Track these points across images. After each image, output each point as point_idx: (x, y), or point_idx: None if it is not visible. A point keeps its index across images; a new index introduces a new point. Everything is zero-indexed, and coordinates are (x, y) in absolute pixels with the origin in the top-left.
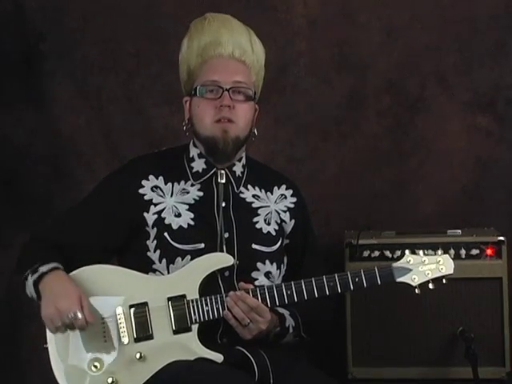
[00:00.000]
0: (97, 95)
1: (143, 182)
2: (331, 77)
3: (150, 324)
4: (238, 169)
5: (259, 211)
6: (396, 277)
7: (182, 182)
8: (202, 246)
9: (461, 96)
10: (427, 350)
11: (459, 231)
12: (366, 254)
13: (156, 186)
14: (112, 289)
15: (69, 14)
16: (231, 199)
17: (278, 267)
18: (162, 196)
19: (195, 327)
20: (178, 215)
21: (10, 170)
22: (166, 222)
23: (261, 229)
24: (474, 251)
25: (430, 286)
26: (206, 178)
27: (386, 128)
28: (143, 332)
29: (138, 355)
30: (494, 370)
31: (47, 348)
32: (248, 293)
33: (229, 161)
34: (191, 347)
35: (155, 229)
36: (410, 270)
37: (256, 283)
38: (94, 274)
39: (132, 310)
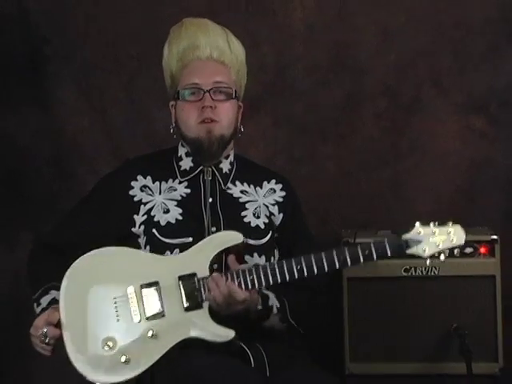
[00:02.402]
0: (100, 97)
1: (132, 183)
2: (329, 79)
3: (162, 302)
4: (225, 166)
5: (247, 205)
6: (406, 248)
7: (170, 181)
8: (191, 239)
9: (455, 98)
10: (423, 346)
11: None
12: None
13: (145, 186)
14: (120, 270)
15: (72, 19)
16: (218, 195)
17: (268, 260)
18: (150, 194)
19: (206, 304)
20: (167, 211)
21: (14, 170)
22: (155, 219)
23: (249, 222)
24: (468, 250)
25: (442, 257)
26: (192, 175)
27: (382, 129)
28: (155, 309)
29: (150, 333)
30: (487, 365)
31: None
32: (232, 274)
33: (216, 159)
34: (203, 324)
35: (142, 227)
36: (421, 241)
37: None
38: (95, 260)
39: (143, 289)
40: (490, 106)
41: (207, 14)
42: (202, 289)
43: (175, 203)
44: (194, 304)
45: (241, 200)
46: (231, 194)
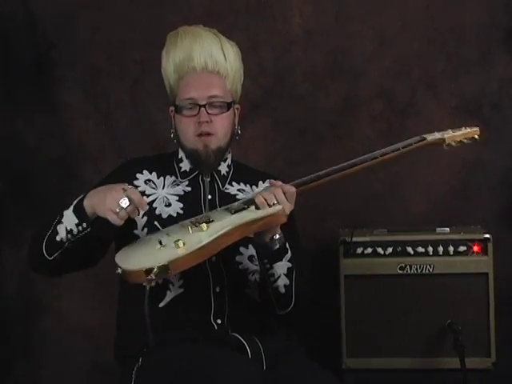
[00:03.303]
0: (105, 100)
1: (137, 175)
2: (326, 83)
3: (209, 216)
4: (223, 168)
5: None
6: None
7: (174, 177)
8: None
9: (449, 101)
10: (418, 342)
11: (447, 229)
12: (359, 250)
13: (149, 180)
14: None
15: (78, 24)
16: (217, 193)
17: None
18: (154, 188)
19: (252, 206)
20: (169, 205)
21: (22, 170)
22: (157, 212)
23: None
24: (462, 248)
25: (465, 140)
26: (192, 176)
27: (378, 131)
28: (203, 219)
29: (200, 227)
30: (480, 360)
31: (120, 272)
32: None
33: (213, 168)
34: (249, 213)
35: (145, 218)
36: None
37: (240, 267)
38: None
39: (191, 220)
40: (483, 108)
41: (208, 19)
42: (248, 202)
43: (177, 198)
44: (240, 209)
45: (238, 197)
46: (229, 193)
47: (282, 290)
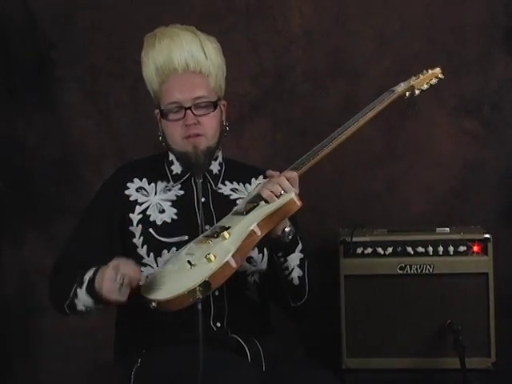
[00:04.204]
0: (105, 100)
1: (128, 184)
2: (326, 83)
3: (223, 225)
4: (214, 167)
5: (238, 202)
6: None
7: (165, 182)
8: (186, 237)
9: (449, 101)
10: (418, 342)
11: (447, 229)
12: (359, 250)
13: (140, 187)
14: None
15: (78, 24)
16: (210, 195)
17: (260, 251)
18: (146, 195)
19: (261, 202)
20: (162, 211)
21: (22, 171)
22: (151, 219)
23: None
24: (462, 248)
25: (416, 92)
26: (184, 178)
27: (378, 131)
28: (220, 230)
29: (222, 237)
30: (480, 360)
31: (155, 306)
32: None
33: (204, 169)
34: (264, 208)
35: (140, 226)
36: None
37: (238, 269)
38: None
39: (204, 234)
40: (482, 108)
41: (208, 19)
42: (255, 199)
43: (170, 203)
44: (251, 207)
45: (231, 197)
46: (222, 193)
47: (297, 281)
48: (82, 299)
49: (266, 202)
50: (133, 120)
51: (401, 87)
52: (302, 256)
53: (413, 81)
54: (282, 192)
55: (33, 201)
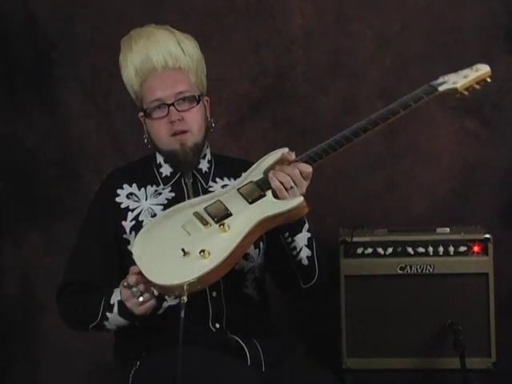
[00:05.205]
0: (105, 100)
1: (118, 191)
2: (326, 83)
3: (226, 207)
4: (203, 166)
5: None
6: (438, 86)
7: (154, 186)
8: None
9: (449, 101)
10: (418, 342)
11: (448, 229)
12: (359, 250)
13: (131, 193)
14: (180, 213)
15: (78, 25)
16: (201, 194)
17: (257, 247)
18: (137, 201)
19: (269, 192)
20: (154, 215)
21: (22, 171)
22: (144, 224)
23: None
24: (462, 248)
25: (477, 86)
26: (174, 180)
27: (378, 131)
28: (222, 213)
29: (222, 227)
30: (480, 360)
31: (184, 301)
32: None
33: (193, 166)
34: (270, 205)
35: (133, 233)
36: (447, 80)
37: (235, 268)
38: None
39: (208, 207)
40: (483, 109)
41: (208, 19)
42: (263, 185)
43: (161, 207)
44: (257, 196)
45: None
46: (213, 191)
47: (306, 261)
48: (115, 321)
49: (274, 192)
50: (133, 120)
51: (443, 87)
52: (310, 235)
53: (457, 84)
54: (293, 185)
55: (33, 201)
